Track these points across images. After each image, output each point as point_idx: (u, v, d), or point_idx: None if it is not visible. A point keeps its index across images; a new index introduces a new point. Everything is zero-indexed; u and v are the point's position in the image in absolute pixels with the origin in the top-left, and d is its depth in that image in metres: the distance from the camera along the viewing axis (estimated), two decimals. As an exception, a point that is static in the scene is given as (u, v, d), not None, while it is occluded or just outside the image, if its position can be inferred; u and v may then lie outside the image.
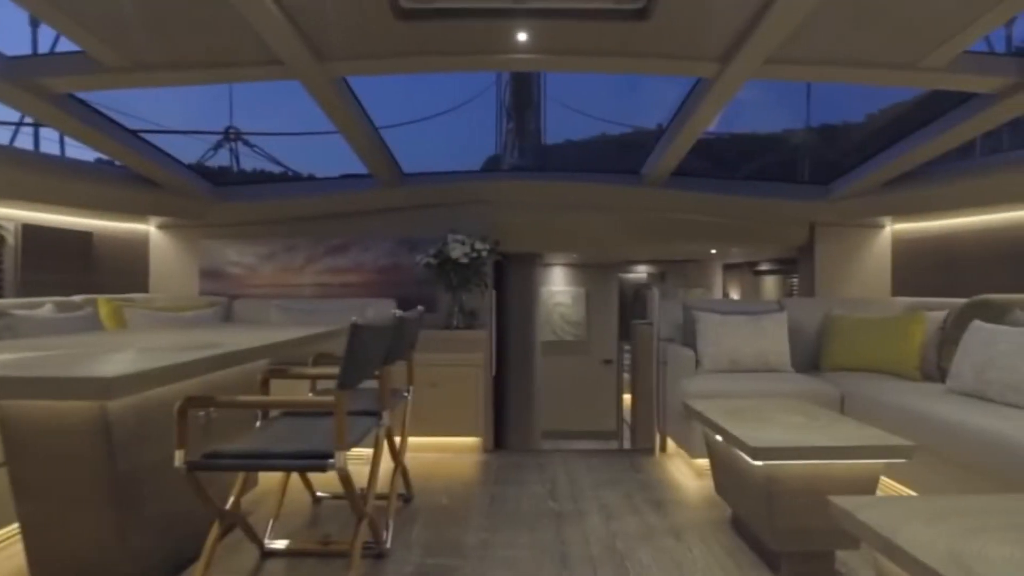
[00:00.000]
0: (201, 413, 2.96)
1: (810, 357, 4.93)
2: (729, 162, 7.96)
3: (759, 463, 2.65)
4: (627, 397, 6.69)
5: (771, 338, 4.62)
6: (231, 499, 2.70)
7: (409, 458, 4.67)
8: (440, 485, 4.21)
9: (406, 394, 3.70)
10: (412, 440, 4.84)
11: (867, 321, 4.71)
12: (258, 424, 2.96)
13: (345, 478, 2.37)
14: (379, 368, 2.91)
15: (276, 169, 6.81)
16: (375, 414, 2.97)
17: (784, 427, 2.94)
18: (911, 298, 5.06)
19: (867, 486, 2.72)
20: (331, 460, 2.28)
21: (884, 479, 3.50)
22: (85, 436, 2.37)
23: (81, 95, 4.59)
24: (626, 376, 6.68)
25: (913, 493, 3.47)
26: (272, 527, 3.19)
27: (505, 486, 4.18)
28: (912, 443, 2.64)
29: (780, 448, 2.62)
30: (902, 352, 4.38)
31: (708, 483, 3.94)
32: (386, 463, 3.51)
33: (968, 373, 3.56)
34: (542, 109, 7.26)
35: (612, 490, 4.07)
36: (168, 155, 5.44)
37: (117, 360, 2.21)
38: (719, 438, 3.12)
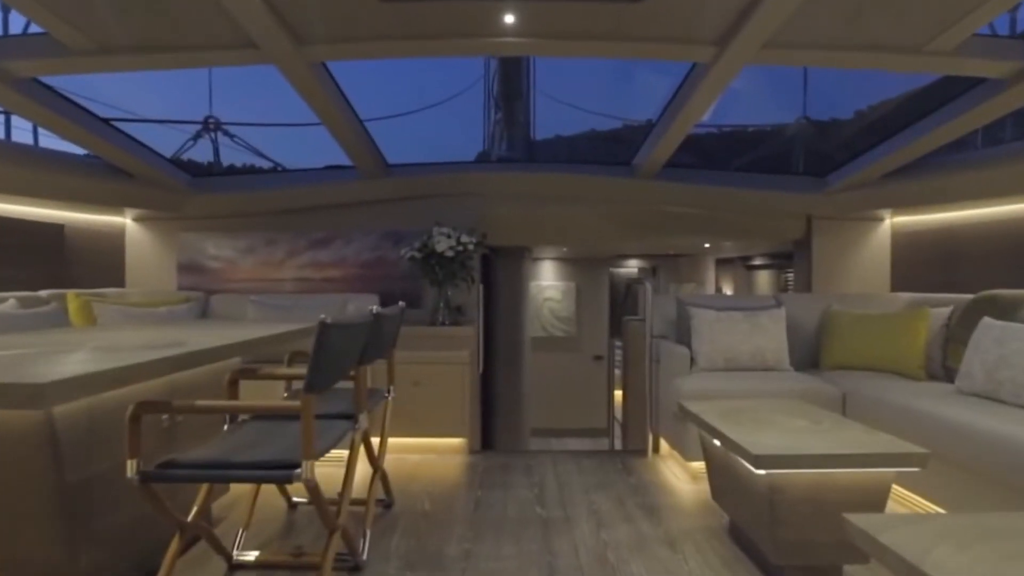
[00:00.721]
0: (164, 417, 2.78)
1: (809, 355, 4.76)
2: (721, 158, 7.77)
3: (761, 472, 2.47)
4: (618, 393, 6.50)
5: (769, 335, 4.45)
6: (194, 510, 2.51)
7: (391, 460, 4.50)
8: (422, 489, 4.02)
9: (387, 395, 3.51)
10: (395, 441, 4.68)
11: (868, 317, 4.54)
12: (226, 428, 2.76)
13: (313, 490, 2.17)
14: (354, 368, 2.72)
15: (259, 161, 6.57)
16: (352, 417, 2.79)
17: (786, 431, 2.77)
18: (913, 294, 4.89)
19: (877, 496, 2.54)
20: (297, 471, 2.09)
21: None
22: (28, 444, 2.16)
23: (48, 81, 4.37)
24: (617, 372, 6.50)
25: (923, 500, 3.30)
26: (242, 537, 2.99)
27: (491, 490, 4.00)
28: (926, 450, 2.47)
29: (784, 456, 2.44)
30: (905, 350, 4.21)
31: (703, 487, 3.77)
32: (366, 468, 3.34)
33: (979, 373, 3.38)
34: (531, 101, 7.06)
35: (603, 494, 3.89)
36: (143, 145, 5.22)
37: (62, 362, 2.01)
38: (717, 443, 2.94)
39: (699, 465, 3.96)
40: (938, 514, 2.94)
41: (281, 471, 2.12)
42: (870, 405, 3.77)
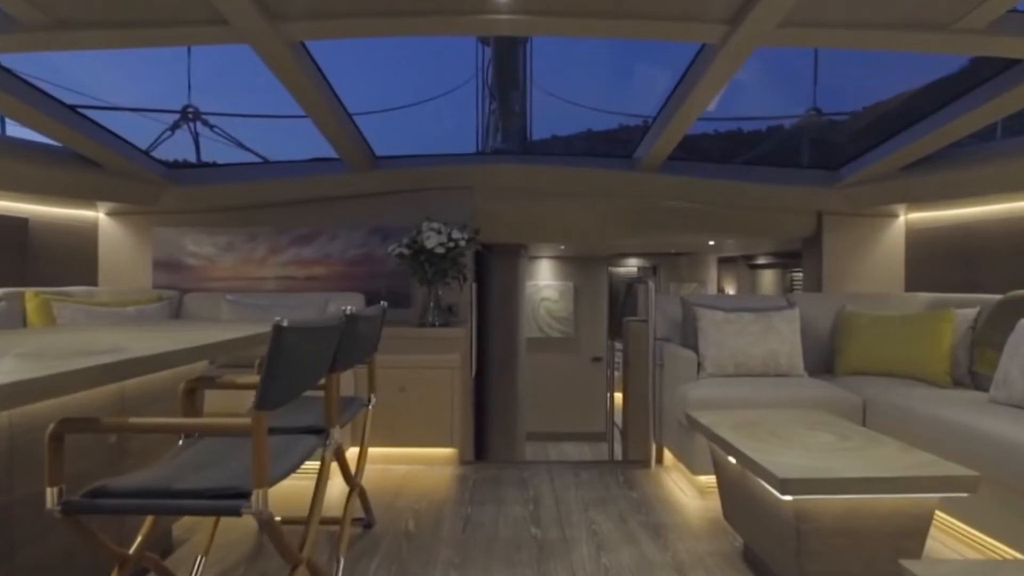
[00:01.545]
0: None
1: (823, 359, 4.46)
2: (719, 160, 7.49)
3: (788, 498, 2.16)
4: (617, 396, 6.19)
5: (782, 338, 4.13)
6: (138, 540, 2.19)
7: (375, 472, 4.19)
8: (407, 505, 3.70)
9: (367, 403, 3.19)
10: (380, 452, 4.37)
11: (887, 319, 4.23)
12: (180, 443, 2.44)
13: (267, 523, 1.85)
14: (324, 377, 2.40)
15: (242, 155, 6.22)
16: (323, 431, 2.47)
17: (812, 449, 2.45)
18: (933, 294, 4.59)
19: (919, 524, 2.23)
20: (246, 501, 1.77)
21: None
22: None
23: (3, 61, 4.04)
24: (617, 374, 6.19)
25: (968, 528, 2.96)
26: (201, 565, 2.67)
27: (482, 506, 3.68)
28: (975, 473, 2.15)
29: (814, 480, 2.12)
30: (929, 354, 3.91)
31: (712, 504, 3.47)
32: (342, 485, 3.03)
33: (1019, 381, 3.07)
34: (527, 91, 6.73)
35: (603, 511, 3.58)
36: (113, 133, 4.88)
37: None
38: (732, 459, 2.63)
39: (707, 479, 3.67)
40: (1015, 561, 2.57)
41: (228, 501, 1.80)
42: (895, 415, 3.45)
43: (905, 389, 3.72)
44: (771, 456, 2.32)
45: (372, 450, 4.36)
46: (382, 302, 3.25)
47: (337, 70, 4.54)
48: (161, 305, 4.62)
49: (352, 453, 3.10)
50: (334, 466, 2.80)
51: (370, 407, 3.19)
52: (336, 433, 2.49)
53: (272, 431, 2.41)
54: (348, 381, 4.18)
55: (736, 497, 2.87)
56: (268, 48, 3.72)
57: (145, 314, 4.44)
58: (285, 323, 1.83)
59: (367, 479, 3.84)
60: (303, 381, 2.11)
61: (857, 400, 3.73)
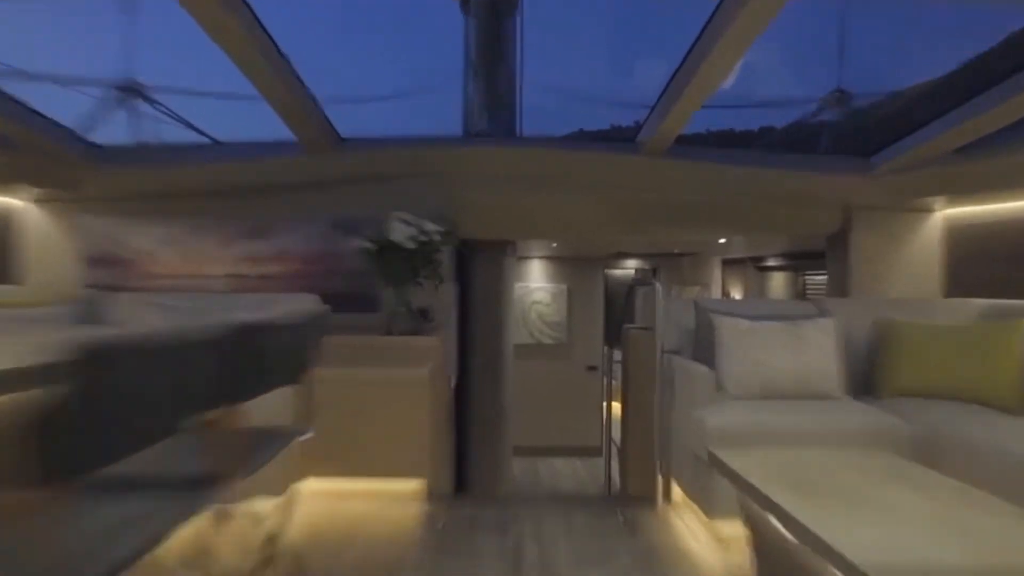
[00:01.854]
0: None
1: (859, 376, 3.75)
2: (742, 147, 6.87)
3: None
4: (615, 405, 5.49)
5: (816, 353, 3.42)
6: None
7: (324, 510, 3.45)
8: (359, 558, 2.96)
9: (300, 435, 2.47)
10: (330, 486, 3.65)
11: (939, 330, 3.53)
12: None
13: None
14: (197, 416, 1.68)
15: (191, 136, 5.47)
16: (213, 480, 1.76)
17: (889, 512, 1.75)
18: (986, 300, 3.90)
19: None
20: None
21: None
22: None
23: None
24: (615, 383, 5.49)
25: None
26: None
27: (451, 560, 2.95)
28: None
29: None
30: (996, 373, 3.20)
31: (737, 558, 2.78)
32: (304, 518, 2.31)
33: None
34: (517, 80, 6.02)
35: (600, 569, 2.86)
36: (21, 104, 4.14)
37: None
38: (775, 520, 1.92)
39: (728, 524, 2.96)
40: None
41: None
42: (970, 454, 2.73)
43: (973, 417, 3.02)
44: (839, 529, 1.62)
45: (320, 485, 3.64)
46: (324, 305, 2.58)
47: (325, 63, 3.88)
48: (64, 309, 3.85)
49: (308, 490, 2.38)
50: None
51: (303, 438, 2.47)
52: (230, 487, 1.78)
53: (121, 485, 1.70)
54: (287, 403, 3.46)
55: (779, 563, 2.16)
56: None
57: (36, 319, 3.66)
58: (93, 343, 1.12)
59: (311, 522, 3.14)
60: (155, 427, 1.39)
61: (906, 430, 3.02)
